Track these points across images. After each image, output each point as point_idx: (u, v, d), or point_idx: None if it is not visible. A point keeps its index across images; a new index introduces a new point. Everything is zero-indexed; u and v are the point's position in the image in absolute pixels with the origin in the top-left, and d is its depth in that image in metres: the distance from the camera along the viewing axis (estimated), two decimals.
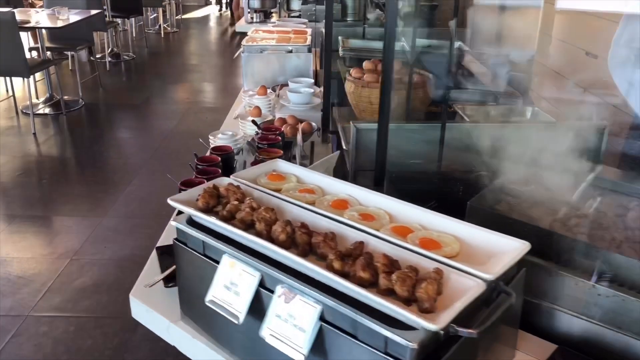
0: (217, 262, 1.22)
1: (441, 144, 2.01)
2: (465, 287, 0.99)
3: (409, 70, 2.45)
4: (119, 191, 4.56)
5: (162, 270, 1.60)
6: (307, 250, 1.16)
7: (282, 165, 1.55)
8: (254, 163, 1.94)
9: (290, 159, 2.17)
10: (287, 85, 3.20)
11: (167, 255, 1.68)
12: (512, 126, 2.21)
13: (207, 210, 1.31)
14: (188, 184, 1.92)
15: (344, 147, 2.19)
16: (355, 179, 2.15)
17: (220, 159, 2.13)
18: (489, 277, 1.00)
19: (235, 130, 2.63)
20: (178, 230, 1.30)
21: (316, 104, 2.69)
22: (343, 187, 1.42)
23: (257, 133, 2.25)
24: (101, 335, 2.95)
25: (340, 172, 2.31)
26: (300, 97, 2.67)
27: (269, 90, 3.01)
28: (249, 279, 1.15)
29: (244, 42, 3.52)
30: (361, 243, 1.14)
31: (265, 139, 2.16)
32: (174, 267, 1.51)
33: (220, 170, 2.01)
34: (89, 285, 3.36)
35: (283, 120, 2.55)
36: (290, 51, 3.41)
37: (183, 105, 6.95)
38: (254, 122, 2.31)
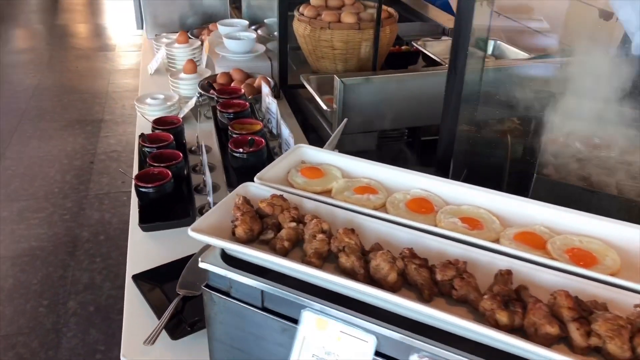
0: (286, 318, 0.84)
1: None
2: None
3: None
4: None
5: (153, 306, 1.17)
6: (434, 293, 0.81)
7: (310, 153, 1.15)
8: (235, 142, 1.50)
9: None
10: (208, 29, 2.67)
11: (147, 283, 1.24)
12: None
13: (252, 241, 0.90)
14: (146, 178, 1.45)
15: (325, 107, 1.80)
16: (341, 146, 1.79)
17: (172, 136, 1.66)
18: None
19: (164, 91, 2.12)
20: (212, 274, 0.88)
21: (261, 52, 2.23)
22: (413, 178, 1.06)
23: (214, 99, 1.78)
24: None
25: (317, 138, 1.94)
26: (241, 45, 2.19)
27: (190, 37, 2.47)
28: (357, 346, 0.78)
29: None
30: (509, 274, 0.81)
31: (229, 106, 1.70)
32: (175, 301, 1.10)
33: (181, 155, 1.55)
34: None
35: (228, 76, 2.07)
36: None
37: (42, 54, 5.93)
38: (209, 84, 1.82)
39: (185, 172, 1.60)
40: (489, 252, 0.86)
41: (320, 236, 0.87)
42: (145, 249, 1.38)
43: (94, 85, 5.10)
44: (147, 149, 1.61)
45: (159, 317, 1.12)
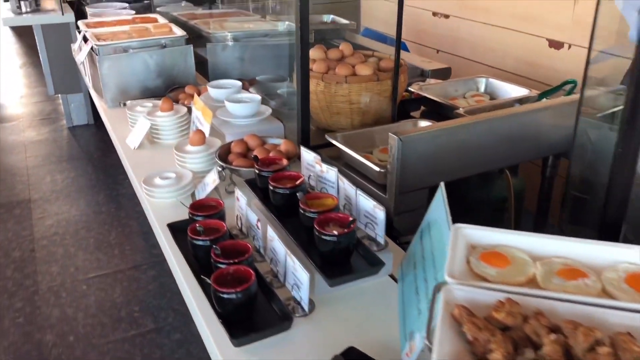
0: None
1: None
2: None
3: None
4: None
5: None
6: None
7: (476, 234, 0.99)
8: (320, 223, 1.30)
9: None
10: (186, 93, 2.42)
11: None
12: None
13: None
14: (223, 281, 1.21)
15: (376, 169, 1.64)
16: (397, 210, 1.63)
17: (224, 224, 1.42)
18: None
19: (166, 169, 1.86)
20: None
21: (267, 114, 2.03)
22: (608, 250, 0.92)
23: (258, 173, 1.56)
24: None
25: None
26: (248, 108, 1.98)
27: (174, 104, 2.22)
28: None
29: (92, 43, 2.57)
30: None
31: (281, 179, 1.49)
32: None
33: (249, 247, 1.32)
34: None
35: (243, 144, 1.85)
36: (164, 46, 2.60)
37: None
38: (255, 157, 1.60)
39: None
40: None
41: (604, 350, 0.70)
42: None
43: (9, 161, 4.57)
44: (201, 243, 1.35)
45: None
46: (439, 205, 1.13)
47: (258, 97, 2.04)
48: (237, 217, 1.59)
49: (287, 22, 2.96)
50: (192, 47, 2.66)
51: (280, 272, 1.35)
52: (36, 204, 3.89)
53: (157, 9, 3.57)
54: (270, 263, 1.40)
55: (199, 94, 2.39)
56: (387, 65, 2.06)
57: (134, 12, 3.49)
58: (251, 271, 1.23)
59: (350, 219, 1.28)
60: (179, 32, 2.69)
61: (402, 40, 3.12)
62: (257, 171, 1.59)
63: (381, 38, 3.51)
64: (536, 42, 3.42)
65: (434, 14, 4.27)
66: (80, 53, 2.66)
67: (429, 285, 0.98)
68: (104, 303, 2.89)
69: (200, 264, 1.39)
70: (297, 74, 1.80)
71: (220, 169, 1.75)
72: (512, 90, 2.41)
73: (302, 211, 1.37)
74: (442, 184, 1.16)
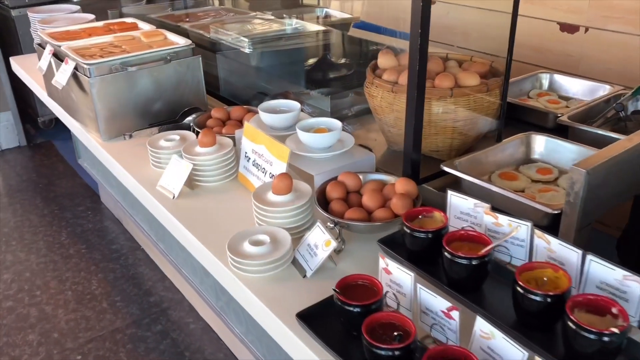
0: None
1: None
2: None
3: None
4: None
5: None
6: None
7: None
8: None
9: None
10: (208, 118, 1.96)
11: None
12: None
13: None
14: None
15: (548, 211, 1.30)
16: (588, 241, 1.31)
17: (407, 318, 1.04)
18: None
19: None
20: None
21: (351, 145, 1.62)
22: None
23: (410, 233, 1.17)
24: None
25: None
26: (329, 138, 1.56)
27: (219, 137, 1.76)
28: None
29: (76, 62, 2.03)
30: None
31: (452, 241, 1.12)
32: None
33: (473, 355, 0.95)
34: None
35: (341, 186, 1.45)
36: (169, 59, 2.10)
37: None
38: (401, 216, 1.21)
39: None
40: None
41: None
42: None
43: None
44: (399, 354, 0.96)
45: None
46: None
47: (337, 122, 1.63)
48: (385, 293, 1.20)
49: (295, 20, 2.54)
50: (200, 59, 2.18)
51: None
52: None
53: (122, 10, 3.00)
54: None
55: (239, 119, 1.95)
56: (479, 70, 1.72)
57: (93, 16, 2.90)
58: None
59: (619, 307, 0.94)
60: (181, 40, 2.19)
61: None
62: (408, 230, 1.21)
63: (375, 29, 3.15)
64: (545, 27, 3.21)
65: None
66: (58, 75, 2.10)
67: None
68: None
69: None
70: (411, 91, 1.42)
71: (332, 225, 1.35)
72: (582, 86, 2.16)
73: (532, 296, 1.00)
74: None
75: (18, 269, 3.05)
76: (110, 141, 2.08)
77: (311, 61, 2.35)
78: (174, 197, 1.67)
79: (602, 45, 2.94)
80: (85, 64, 1.97)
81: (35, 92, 2.76)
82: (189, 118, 2.06)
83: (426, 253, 1.20)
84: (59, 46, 2.19)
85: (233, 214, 1.59)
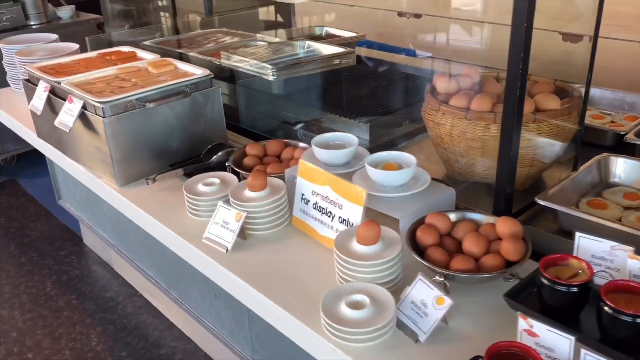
0: None
1: None
2: None
3: None
4: None
5: None
6: None
7: None
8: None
9: None
10: (245, 156, 1.76)
11: None
12: None
13: None
14: None
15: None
16: None
17: None
18: None
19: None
20: None
21: (429, 182, 1.45)
22: None
23: (551, 286, 1.03)
24: None
25: None
26: (404, 175, 1.39)
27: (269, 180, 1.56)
28: None
29: (85, 100, 1.79)
30: None
31: (608, 291, 0.98)
32: None
33: None
34: None
35: (433, 230, 1.29)
36: (189, 92, 1.89)
37: None
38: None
39: None
40: None
41: None
42: None
43: None
44: None
45: None
46: None
47: (410, 156, 1.46)
48: None
49: (306, 42, 2.37)
50: (219, 90, 1.97)
51: None
52: None
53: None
54: None
55: (277, 155, 1.77)
56: (546, 90, 1.60)
57: (77, 45, 2.64)
58: None
59: None
60: (197, 70, 1.98)
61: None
62: (547, 283, 1.05)
63: (380, 48, 3.01)
64: (545, 37, 3.16)
65: (400, 14, 3.87)
66: (63, 115, 1.85)
67: None
68: None
69: None
70: (508, 120, 1.28)
71: (441, 279, 1.19)
72: (608, 97, 2.11)
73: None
74: None
75: (2, 329, 2.73)
76: (126, 187, 1.85)
77: (336, 85, 2.18)
78: (227, 250, 1.46)
79: (607, 53, 2.91)
80: (97, 102, 1.74)
81: (18, 133, 2.47)
82: (217, 155, 1.85)
83: (571, 308, 1.06)
84: (58, 82, 1.94)
85: (300, 267, 1.41)
